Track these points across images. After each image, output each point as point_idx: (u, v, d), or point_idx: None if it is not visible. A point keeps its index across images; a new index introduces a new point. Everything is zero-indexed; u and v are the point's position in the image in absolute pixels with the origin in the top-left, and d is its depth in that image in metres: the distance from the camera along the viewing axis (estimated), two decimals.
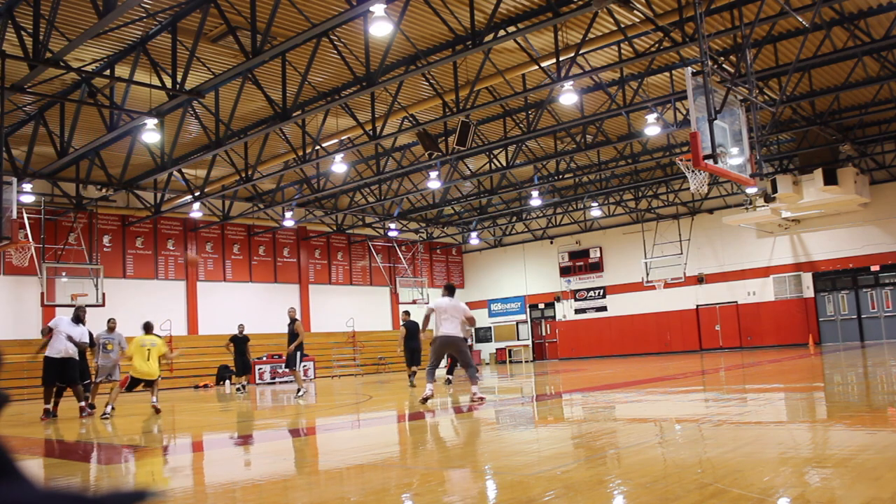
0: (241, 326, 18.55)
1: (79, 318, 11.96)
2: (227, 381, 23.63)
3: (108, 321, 12.49)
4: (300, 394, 14.38)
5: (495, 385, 15.87)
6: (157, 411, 11.42)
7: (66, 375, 11.64)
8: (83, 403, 11.66)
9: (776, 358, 19.18)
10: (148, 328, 11.84)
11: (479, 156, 22.11)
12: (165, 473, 5.79)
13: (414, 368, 16.42)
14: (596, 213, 29.41)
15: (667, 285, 28.90)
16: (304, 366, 25.21)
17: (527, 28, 12.51)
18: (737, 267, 28.30)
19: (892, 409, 7.29)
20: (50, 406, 11.61)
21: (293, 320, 15.31)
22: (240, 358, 18.16)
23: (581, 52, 13.67)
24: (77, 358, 11.86)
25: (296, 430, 8.86)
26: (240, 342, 18.15)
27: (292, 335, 15.13)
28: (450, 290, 10.34)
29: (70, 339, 11.63)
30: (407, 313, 17.06)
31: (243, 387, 18.29)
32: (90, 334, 12.47)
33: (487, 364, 33.65)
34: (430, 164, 20.82)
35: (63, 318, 12.04)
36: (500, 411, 9.70)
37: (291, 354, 14.98)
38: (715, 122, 9.53)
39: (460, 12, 12.59)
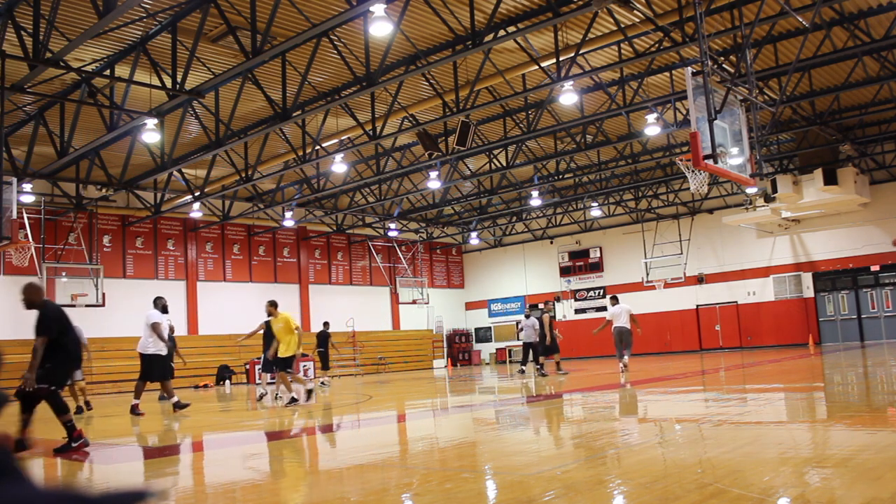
0: (326, 324, 20.08)
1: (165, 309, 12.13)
2: (227, 381, 23.66)
3: None
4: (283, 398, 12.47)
5: (496, 385, 15.87)
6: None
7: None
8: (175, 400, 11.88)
9: (776, 358, 19.17)
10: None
11: (479, 156, 22.09)
12: (176, 471, 5.78)
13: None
14: (596, 213, 29.38)
15: (667, 285, 28.86)
16: (304, 366, 25.24)
17: (527, 28, 12.50)
18: (737, 267, 28.28)
19: (892, 409, 7.29)
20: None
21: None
22: (323, 353, 19.18)
23: (581, 52, 13.66)
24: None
25: (296, 430, 8.85)
26: (323, 338, 19.25)
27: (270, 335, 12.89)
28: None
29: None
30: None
31: (324, 383, 19.25)
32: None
33: (487, 364, 33.64)
34: (430, 164, 20.81)
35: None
36: (501, 411, 9.70)
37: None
38: (715, 122, 9.51)
39: (460, 12, 12.58)
